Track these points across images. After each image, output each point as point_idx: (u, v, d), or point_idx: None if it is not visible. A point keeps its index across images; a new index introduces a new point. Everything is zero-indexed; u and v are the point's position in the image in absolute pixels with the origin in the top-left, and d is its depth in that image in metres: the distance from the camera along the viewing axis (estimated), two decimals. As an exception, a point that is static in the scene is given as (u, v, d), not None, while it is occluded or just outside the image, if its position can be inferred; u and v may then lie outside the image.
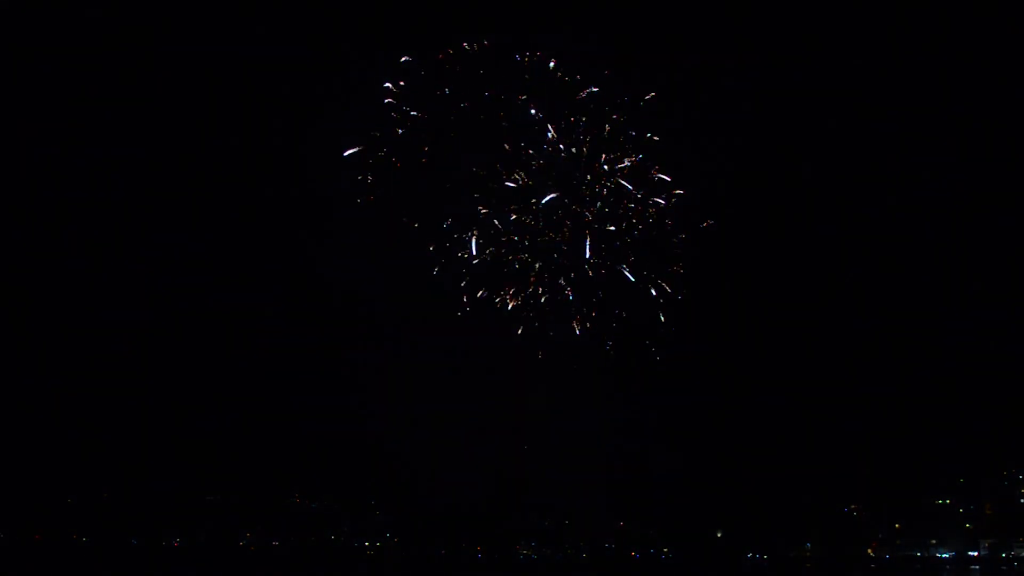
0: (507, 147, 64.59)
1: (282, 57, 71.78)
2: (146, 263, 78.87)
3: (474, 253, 65.10)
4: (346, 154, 63.14)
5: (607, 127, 65.92)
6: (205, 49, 72.82)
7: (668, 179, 67.01)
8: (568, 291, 66.72)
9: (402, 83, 63.66)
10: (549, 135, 64.36)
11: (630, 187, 66.69)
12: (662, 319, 68.00)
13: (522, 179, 64.91)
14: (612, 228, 66.54)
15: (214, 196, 77.48)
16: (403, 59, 63.54)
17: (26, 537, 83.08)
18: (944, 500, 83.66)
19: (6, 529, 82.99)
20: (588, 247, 66.14)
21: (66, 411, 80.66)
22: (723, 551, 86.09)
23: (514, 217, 65.34)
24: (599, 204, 66.20)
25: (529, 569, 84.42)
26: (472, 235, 65.02)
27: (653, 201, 67.16)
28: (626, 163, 66.48)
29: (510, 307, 66.82)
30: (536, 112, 64.37)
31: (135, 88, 75.02)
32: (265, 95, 74.15)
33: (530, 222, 65.71)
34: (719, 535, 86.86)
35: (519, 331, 67.64)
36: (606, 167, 66.26)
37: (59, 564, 78.83)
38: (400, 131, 63.89)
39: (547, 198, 65.14)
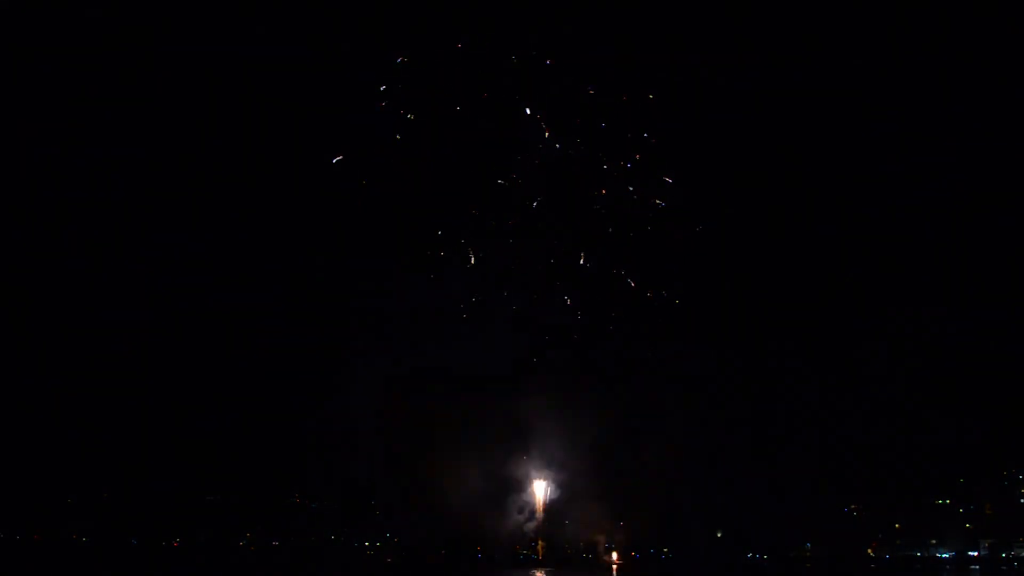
0: (504, 148, 64.46)
1: (280, 57, 71.76)
2: (146, 263, 79.13)
3: (471, 256, 65.04)
4: (334, 161, 63.10)
5: (605, 126, 65.73)
6: (205, 49, 72.90)
7: (669, 180, 66.82)
8: (567, 299, 66.67)
9: (399, 84, 63.50)
10: (546, 135, 64.19)
11: (630, 188, 66.52)
12: (660, 321, 67.92)
13: (518, 181, 64.80)
14: (611, 230, 66.41)
15: (214, 196, 77.62)
16: (399, 59, 63.37)
17: (26, 537, 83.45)
18: (944, 500, 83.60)
19: (6, 529, 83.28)
20: (586, 250, 66.09)
21: (66, 411, 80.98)
22: (723, 551, 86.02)
23: (511, 220, 65.26)
24: (597, 206, 66.07)
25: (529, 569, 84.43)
26: (469, 238, 64.97)
27: (653, 202, 66.96)
28: (625, 164, 66.31)
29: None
30: (533, 112, 64.18)
31: (135, 88, 75.14)
32: (265, 95, 74.14)
33: (527, 224, 65.64)
34: (719, 535, 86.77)
35: (514, 334, 67.63)
36: (605, 167, 66.08)
37: (59, 564, 78.94)
38: (397, 136, 63.78)
39: (544, 200, 65.05)
